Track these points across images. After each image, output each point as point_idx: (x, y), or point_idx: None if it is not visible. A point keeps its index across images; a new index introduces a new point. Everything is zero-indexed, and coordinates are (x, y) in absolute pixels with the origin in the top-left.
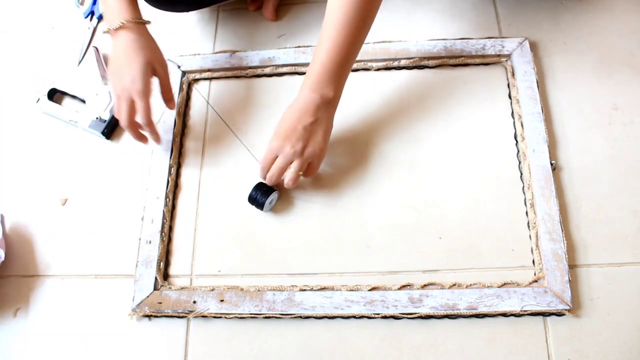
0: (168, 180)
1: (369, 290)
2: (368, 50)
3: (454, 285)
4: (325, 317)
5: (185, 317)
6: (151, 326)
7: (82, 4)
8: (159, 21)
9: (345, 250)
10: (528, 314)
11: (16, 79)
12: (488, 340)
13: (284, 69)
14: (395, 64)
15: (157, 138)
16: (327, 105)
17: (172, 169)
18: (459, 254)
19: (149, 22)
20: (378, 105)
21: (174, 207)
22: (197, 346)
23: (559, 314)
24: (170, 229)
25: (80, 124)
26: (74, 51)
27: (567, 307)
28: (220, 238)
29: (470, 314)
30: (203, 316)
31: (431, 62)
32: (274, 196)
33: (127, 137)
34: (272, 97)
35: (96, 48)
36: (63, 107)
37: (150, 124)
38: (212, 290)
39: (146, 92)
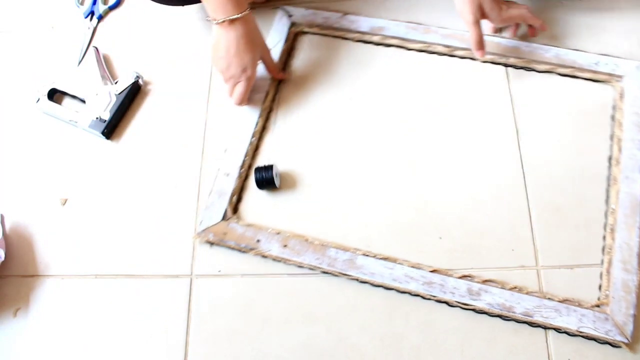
0: (258, 121)
1: (430, 271)
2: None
3: (515, 288)
4: (382, 286)
5: (247, 252)
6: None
7: (82, 4)
8: (159, 18)
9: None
10: (582, 336)
11: (16, 79)
12: (488, 340)
13: (392, 41)
14: (504, 60)
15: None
16: None
17: (264, 111)
18: (459, 253)
19: (254, 7)
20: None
21: (257, 147)
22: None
23: (615, 345)
24: (250, 166)
25: (80, 124)
26: (74, 51)
27: (626, 341)
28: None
29: (525, 320)
30: (263, 256)
31: (540, 67)
32: (275, 169)
33: (127, 137)
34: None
35: (96, 48)
36: (63, 107)
37: (242, 104)
38: (278, 233)
39: (252, 79)
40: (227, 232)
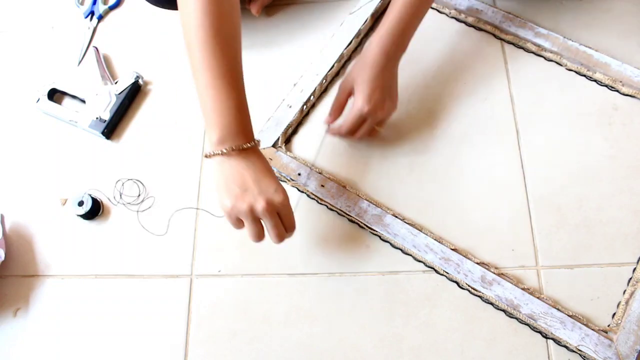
0: (334, 65)
1: (451, 249)
2: (572, 47)
3: (528, 288)
4: (401, 250)
5: (285, 182)
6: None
7: (82, 4)
8: (159, 18)
9: (345, 250)
10: (580, 355)
11: (16, 79)
12: (488, 340)
13: (486, 27)
14: (589, 73)
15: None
16: (397, 60)
17: (343, 58)
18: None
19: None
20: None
21: (326, 89)
22: None
23: None
24: (313, 105)
25: (80, 124)
26: (74, 51)
27: None
28: (220, 238)
29: (528, 322)
30: (299, 190)
31: (624, 89)
32: None
33: (127, 136)
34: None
35: (96, 48)
36: (63, 107)
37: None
38: (320, 173)
39: (288, 200)
40: (272, 158)
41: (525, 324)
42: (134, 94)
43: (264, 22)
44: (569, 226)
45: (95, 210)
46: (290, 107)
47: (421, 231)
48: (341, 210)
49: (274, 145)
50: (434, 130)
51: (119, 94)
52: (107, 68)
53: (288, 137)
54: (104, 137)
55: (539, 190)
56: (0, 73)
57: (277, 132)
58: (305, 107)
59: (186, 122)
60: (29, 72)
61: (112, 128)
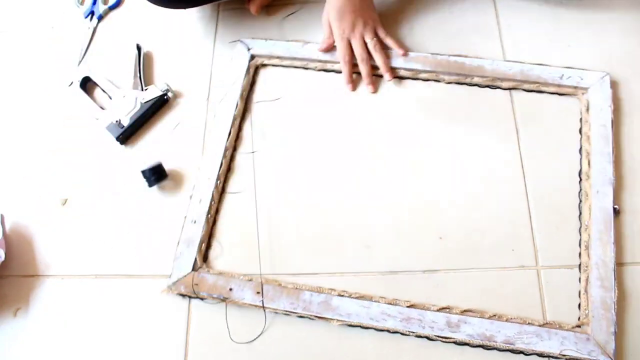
0: (222, 162)
1: (407, 306)
2: (442, 62)
3: (494, 316)
4: (360, 326)
5: (221, 302)
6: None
7: (82, 4)
8: (159, 18)
9: (345, 251)
10: (566, 359)
11: (16, 79)
12: None
13: (355, 69)
14: (468, 80)
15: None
16: None
17: (228, 151)
18: (459, 254)
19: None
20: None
21: (223, 190)
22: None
23: None
24: (217, 211)
25: (100, 122)
26: (74, 51)
27: None
28: (219, 238)
29: (507, 348)
30: (237, 304)
31: (504, 84)
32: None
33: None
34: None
35: (139, 47)
36: (91, 100)
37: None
38: (250, 280)
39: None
40: (198, 283)
41: (505, 351)
42: (160, 106)
43: (263, 21)
44: (569, 226)
45: (160, 176)
46: (194, 222)
47: (372, 300)
48: (286, 311)
49: (194, 269)
50: (434, 130)
51: (145, 102)
52: (144, 71)
53: (204, 254)
54: (119, 142)
55: (539, 190)
56: (0, 73)
57: (192, 253)
58: (209, 216)
59: (186, 123)
60: (28, 72)
61: (128, 135)
